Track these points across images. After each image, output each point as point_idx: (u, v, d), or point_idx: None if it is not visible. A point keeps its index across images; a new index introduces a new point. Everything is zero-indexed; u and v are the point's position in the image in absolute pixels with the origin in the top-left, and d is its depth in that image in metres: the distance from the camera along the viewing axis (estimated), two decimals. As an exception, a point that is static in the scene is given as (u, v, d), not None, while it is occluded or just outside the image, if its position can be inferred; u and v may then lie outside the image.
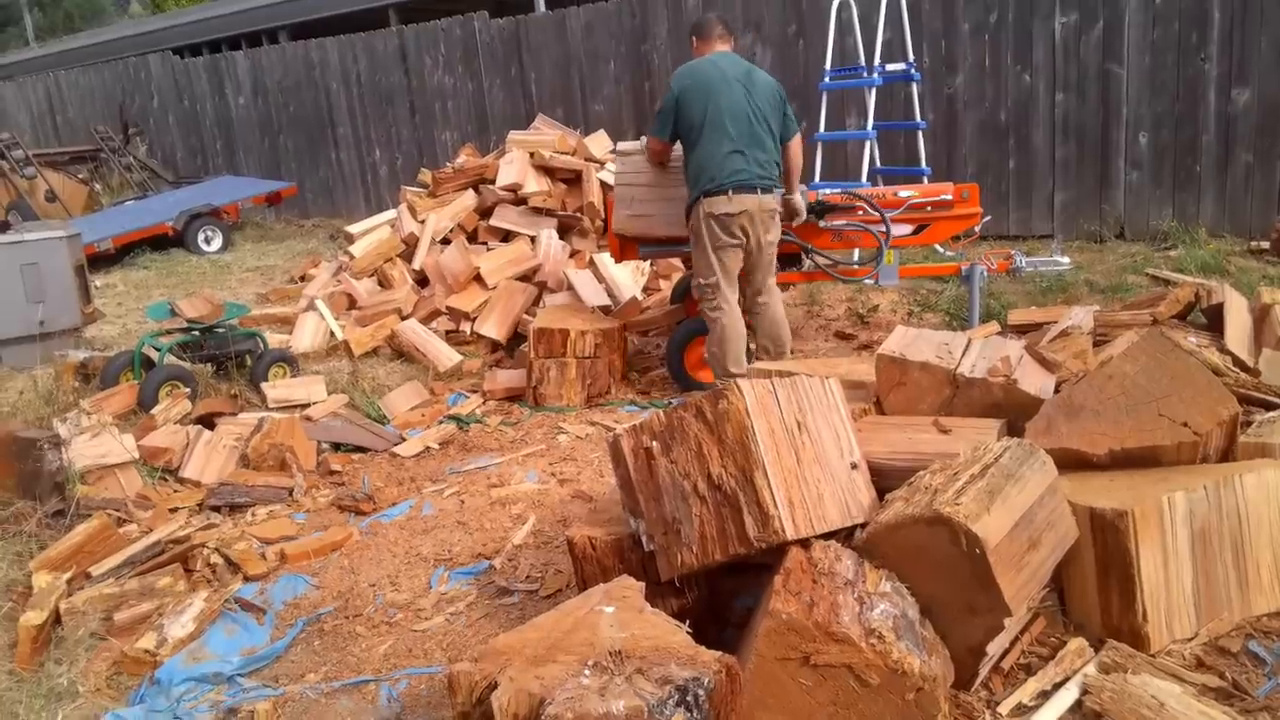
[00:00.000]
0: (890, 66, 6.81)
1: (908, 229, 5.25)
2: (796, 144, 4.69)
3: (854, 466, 2.56)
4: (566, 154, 6.74)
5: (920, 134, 7.11)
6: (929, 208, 5.17)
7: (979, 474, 2.30)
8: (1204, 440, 2.62)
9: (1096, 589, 2.46)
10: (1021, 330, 5.06)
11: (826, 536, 2.34)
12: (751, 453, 2.29)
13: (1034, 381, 3.10)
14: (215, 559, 3.24)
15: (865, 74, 7.03)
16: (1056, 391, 3.11)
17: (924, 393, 3.15)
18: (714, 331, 4.56)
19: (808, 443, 2.44)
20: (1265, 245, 6.20)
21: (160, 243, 9.90)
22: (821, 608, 2.09)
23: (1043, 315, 5.24)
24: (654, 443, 2.44)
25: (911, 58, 6.98)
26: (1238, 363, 4.17)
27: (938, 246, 6.29)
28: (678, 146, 4.71)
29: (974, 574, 2.17)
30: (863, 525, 2.42)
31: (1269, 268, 5.87)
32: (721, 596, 2.68)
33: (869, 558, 2.31)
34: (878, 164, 7.22)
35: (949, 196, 5.17)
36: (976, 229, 5.39)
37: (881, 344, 5.57)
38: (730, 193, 4.42)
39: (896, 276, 5.33)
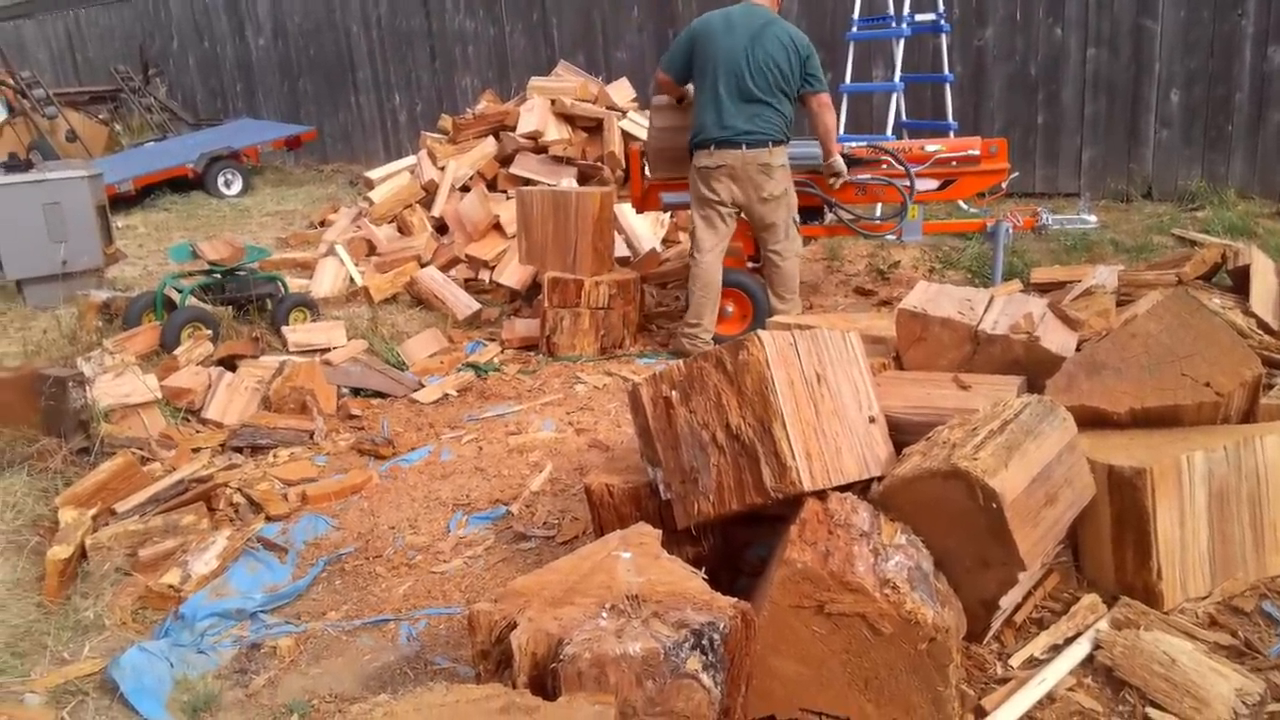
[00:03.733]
0: (920, 17, 6.67)
1: (933, 184, 5.19)
2: (820, 103, 4.62)
3: (872, 420, 2.56)
4: (588, 102, 6.67)
5: (948, 87, 6.98)
6: (955, 163, 5.10)
7: (998, 429, 2.30)
8: (1226, 401, 2.61)
9: (1112, 546, 2.46)
10: (1044, 289, 5.02)
11: (844, 489, 2.35)
12: (770, 404, 2.29)
13: (1056, 339, 3.08)
14: (238, 499, 3.29)
15: (894, 24, 6.90)
16: (1078, 350, 3.10)
17: (944, 348, 3.14)
18: (688, 278, 4.75)
19: (826, 395, 2.44)
20: (1296, 207, 6.10)
21: (180, 185, 9.90)
22: (837, 558, 2.11)
23: (1065, 274, 5.19)
24: (673, 392, 2.44)
25: (942, 8, 6.84)
26: (1262, 325, 4.13)
27: (961, 203, 6.21)
28: None
29: (989, 528, 2.18)
30: (880, 478, 2.43)
31: (1298, 230, 5.77)
32: (736, 546, 2.70)
33: (885, 510, 2.32)
34: (904, 117, 7.11)
35: (976, 152, 5.10)
36: (1003, 185, 5.32)
37: (901, 300, 5.58)
38: (713, 147, 4.48)
39: (920, 232, 5.27)
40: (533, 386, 4.54)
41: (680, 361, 2.45)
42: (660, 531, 2.30)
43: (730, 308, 4.89)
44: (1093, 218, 5.35)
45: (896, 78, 6.63)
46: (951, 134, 6.79)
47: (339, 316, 5.32)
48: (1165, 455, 2.41)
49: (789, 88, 4.55)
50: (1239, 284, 4.58)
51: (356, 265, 6.15)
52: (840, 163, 4.83)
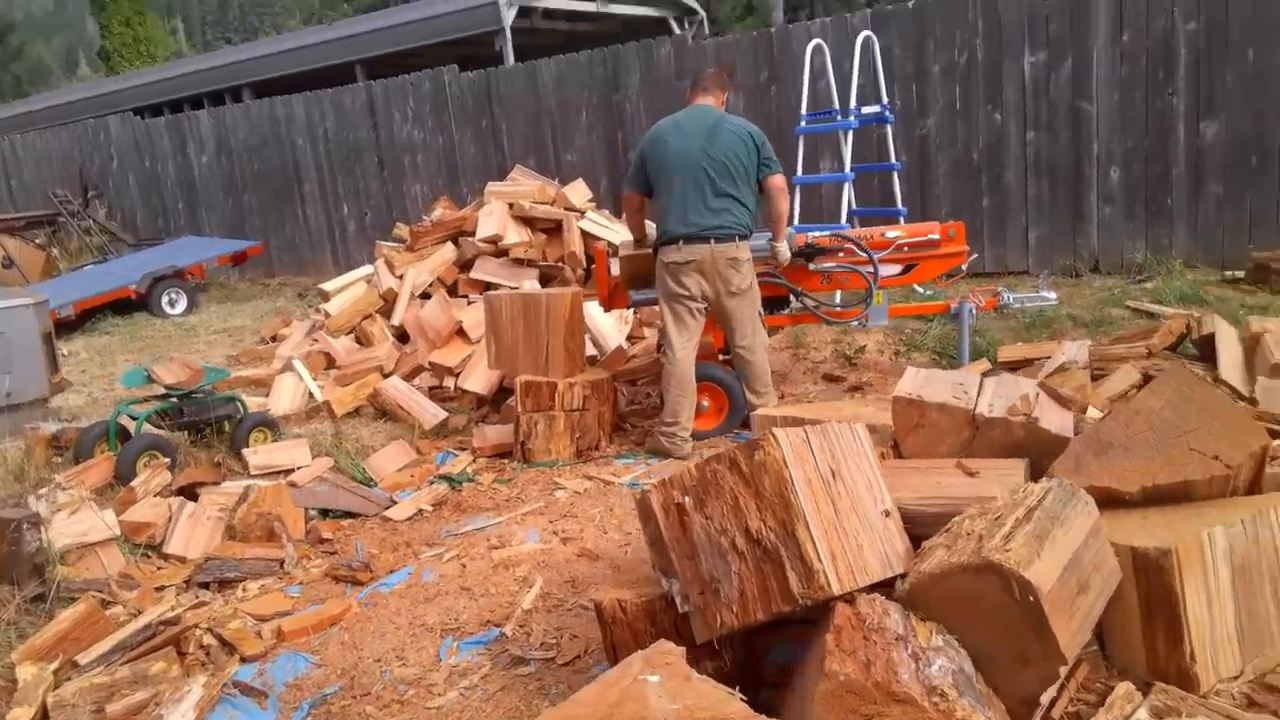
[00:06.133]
0: (865, 109, 6.86)
1: (896, 269, 5.24)
2: (776, 186, 4.67)
3: (887, 514, 2.48)
4: (546, 204, 6.69)
5: (895, 175, 7.16)
6: (907, 248, 5.16)
7: (1024, 518, 2.23)
8: (1235, 473, 2.58)
9: (1141, 630, 2.38)
10: (1013, 366, 5.06)
11: (868, 590, 2.25)
12: (792, 505, 2.20)
13: (1054, 419, 3.05)
14: (208, 640, 3.06)
15: (839, 117, 7.10)
16: (1076, 430, 3.07)
17: (943, 434, 3.09)
18: (662, 377, 4.72)
19: (843, 492, 2.36)
20: (1240, 275, 6.28)
21: (122, 307, 9.67)
22: (878, 666, 1.99)
23: (1032, 351, 5.24)
24: (686, 498, 2.34)
25: (885, 100, 7.06)
26: (1234, 393, 4.18)
27: (916, 286, 6.29)
28: None
29: (1027, 622, 2.09)
30: (902, 576, 2.33)
31: (1247, 297, 5.93)
32: (754, 655, 2.57)
33: (913, 609, 2.22)
34: (853, 206, 7.25)
35: (936, 236, 5.18)
36: (963, 267, 5.40)
37: (869, 385, 5.58)
38: (681, 243, 4.50)
39: (886, 316, 5.31)
40: (510, 496, 4.38)
41: (691, 465, 2.36)
42: (684, 648, 2.17)
43: (705, 402, 4.83)
44: (1052, 294, 5.43)
45: (847, 168, 6.77)
46: (901, 219, 6.93)
47: (301, 434, 5.13)
48: (1186, 533, 2.36)
49: (750, 179, 4.61)
50: (1204, 353, 4.66)
51: (315, 379, 5.98)
52: (784, 249, 4.86)
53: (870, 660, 2.01)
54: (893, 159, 7.13)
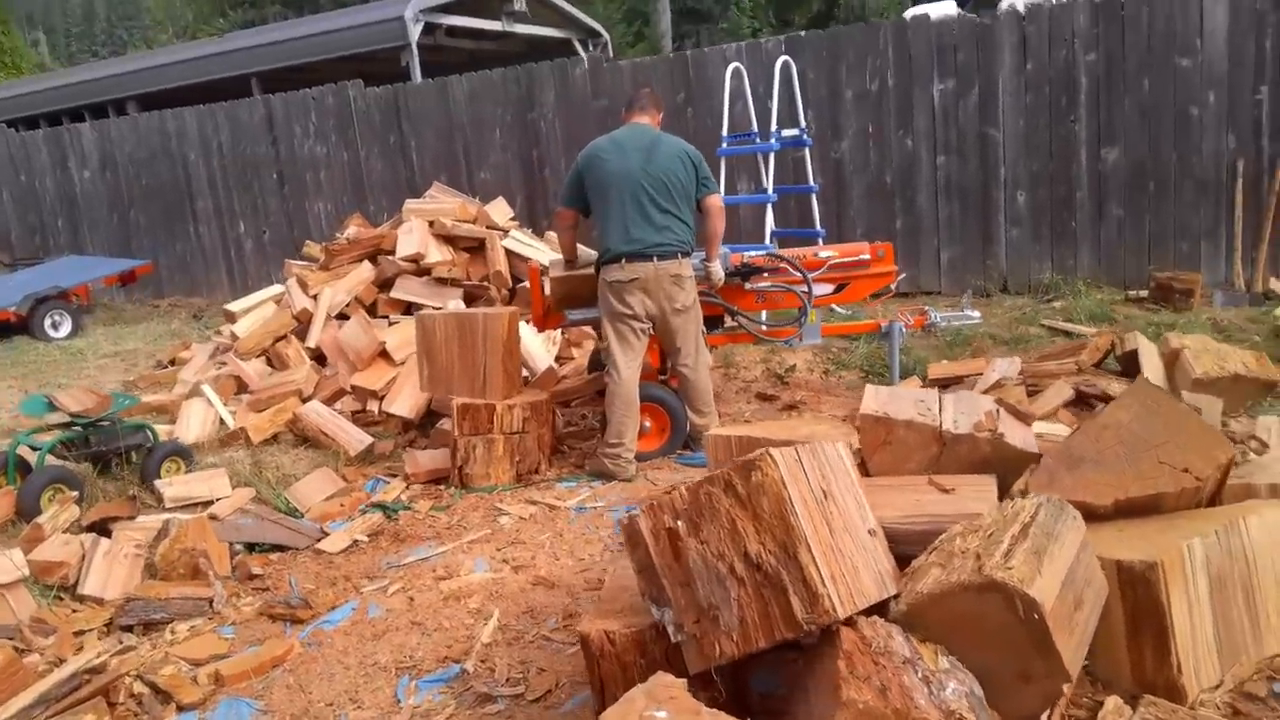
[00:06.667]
0: (786, 132, 6.95)
1: (828, 288, 5.28)
2: (714, 206, 4.67)
3: (873, 533, 2.44)
4: (468, 222, 6.52)
5: (813, 197, 7.25)
6: (839, 268, 5.21)
7: (1020, 534, 2.23)
8: (1204, 484, 2.65)
9: (1127, 643, 2.40)
10: (944, 384, 5.15)
11: (866, 613, 2.20)
12: (793, 527, 2.13)
13: (1017, 434, 3.09)
14: (139, 688, 2.80)
15: (759, 139, 7.17)
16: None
17: (910, 451, 3.09)
18: (606, 397, 4.63)
19: (836, 512, 2.30)
20: (1144, 294, 6.57)
21: (1, 330, 8.99)
22: (894, 692, 1.94)
23: (961, 368, 5.35)
24: (679, 522, 2.24)
25: (804, 123, 7.16)
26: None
27: (836, 306, 6.36)
28: None
29: (1030, 640, 2.07)
30: (895, 597, 2.29)
31: (1152, 315, 6.21)
32: (740, 685, 2.48)
33: (911, 630, 2.18)
34: (773, 227, 7.32)
35: (867, 256, 5.25)
36: (892, 287, 5.48)
37: (804, 404, 5.58)
38: (624, 261, 4.45)
39: (819, 335, 5.34)
40: (451, 523, 4.20)
41: (681, 487, 2.27)
42: (685, 680, 2.07)
43: (648, 423, 4.75)
44: (976, 313, 5.57)
45: (770, 189, 6.83)
46: (820, 240, 7.03)
47: (216, 463, 4.83)
48: (1167, 545, 2.40)
49: (689, 198, 4.59)
50: (1127, 368, 4.83)
51: (226, 404, 5.65)
52: (719, 269, 4.84)
53: (884, 686, 1.96)
54: (811, 181, 7.23)
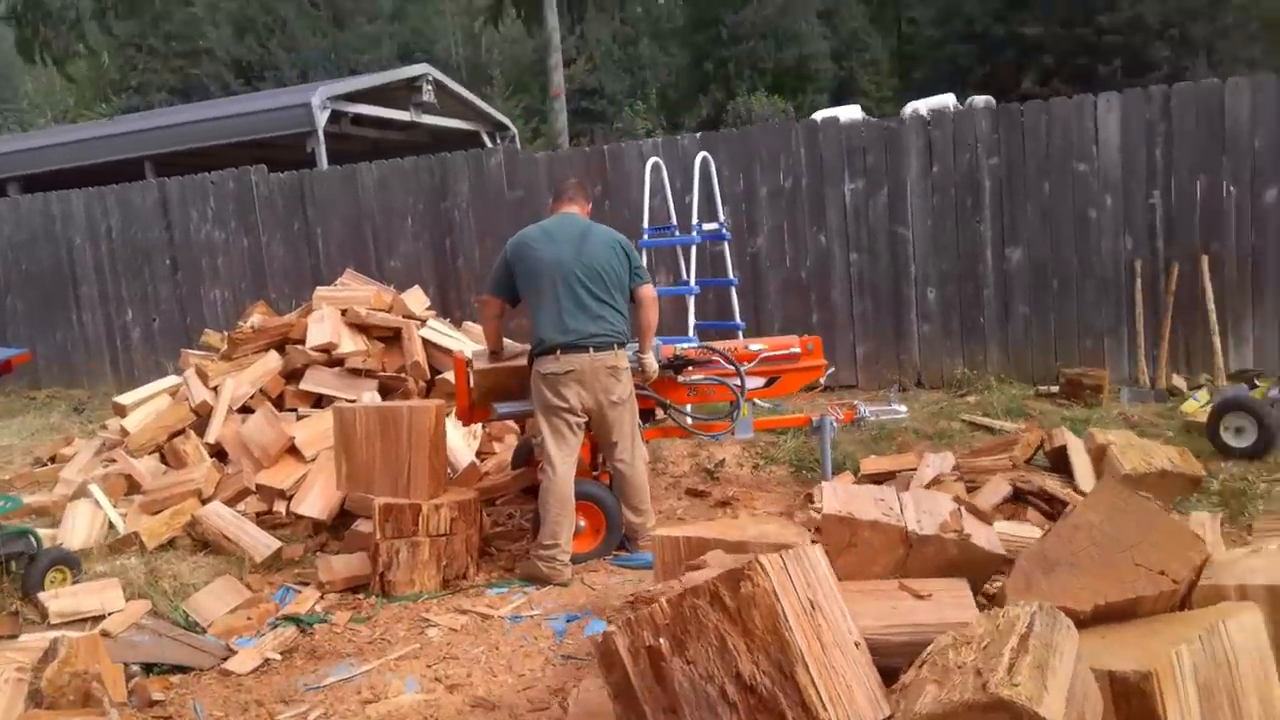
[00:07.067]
0: (706, 226, 6.99)
1: (760, 381, 5.24)
2: (647, 296, 4.62)
3: (857, 645, 2.30)
4: (383, 310, 6.27)
5: (733, 290, 7.29)
6: (770, 361, 5.18)
7: (1019, 646, 2.12)
8: (1180, 587, 2.61)
9: (1120, 759, 2.30)
10: (877, 479, 5.12)
11: (861, 734, 2.04)
12: (789, 643, 1.99)
13: (981, 535, 3.02)
14: None
15: (678, 232, 7.20)
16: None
17: (876, 553, 2.98)
18: (540, 495, 4.41)
19: (824, 624, 2.17)
20: (1054, 389, 6.75)
21: None
22: (913, 830, 1.77)
23: (892, 463, 5.34)
24: (661, 640, 2.06)
25: (722, 218, 7.23)
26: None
27: (759, 400, 6.31)
28: None
29: (1039, 762, 1.94)
30: (889, 717, 2.15)
31: (1064, 410, 6.36)
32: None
33: (910, 754, 2.03)
34: (693, 320, 7.30)
35: (797, 349, 5.24)
36: (822, 380, 5.47)
37: (736, 500, 5.46)
38: (559, 353, 4.32)
39: (751, 429, 5.27)
40: (374, 637, 3.87)
41: (662, 601, 2.09)
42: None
43: (583, 522, 4.54)
44: (903, 408, 5.59)
45: (692, 281, 6.83)
46: (740, 334, 7.04)
47: (105, 572, 4.38)
48: (1156, 654, 2.33)
49: (623, 287, 4.52)
50: (1056, 464, 4.88)
51: (116, 506, 5.18)
52: (651, 361, 4.75)
53: (902, 823, 1.79)
54: (730, 274, 7.27)
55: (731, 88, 24.55)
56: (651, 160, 7.29)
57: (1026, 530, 3.49)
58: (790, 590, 2.12)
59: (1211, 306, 6.55)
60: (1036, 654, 2.09)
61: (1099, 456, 4.70)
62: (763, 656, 2.00)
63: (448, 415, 4.99)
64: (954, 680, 2.09)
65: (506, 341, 4.97)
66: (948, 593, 2.71)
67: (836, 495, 3.16)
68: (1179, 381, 6.64)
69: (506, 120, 15.21)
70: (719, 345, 5.24)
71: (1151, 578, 2.58)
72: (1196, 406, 6.02)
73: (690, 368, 5.06)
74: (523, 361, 4.80)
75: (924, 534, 2.93)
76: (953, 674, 2.12)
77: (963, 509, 3.14)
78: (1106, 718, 2.28)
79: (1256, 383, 6.38)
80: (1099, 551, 2.67)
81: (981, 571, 2.95)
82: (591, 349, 4.31)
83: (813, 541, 3.07)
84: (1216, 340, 6.55)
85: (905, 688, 2.22)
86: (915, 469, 5.01)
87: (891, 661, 2.39)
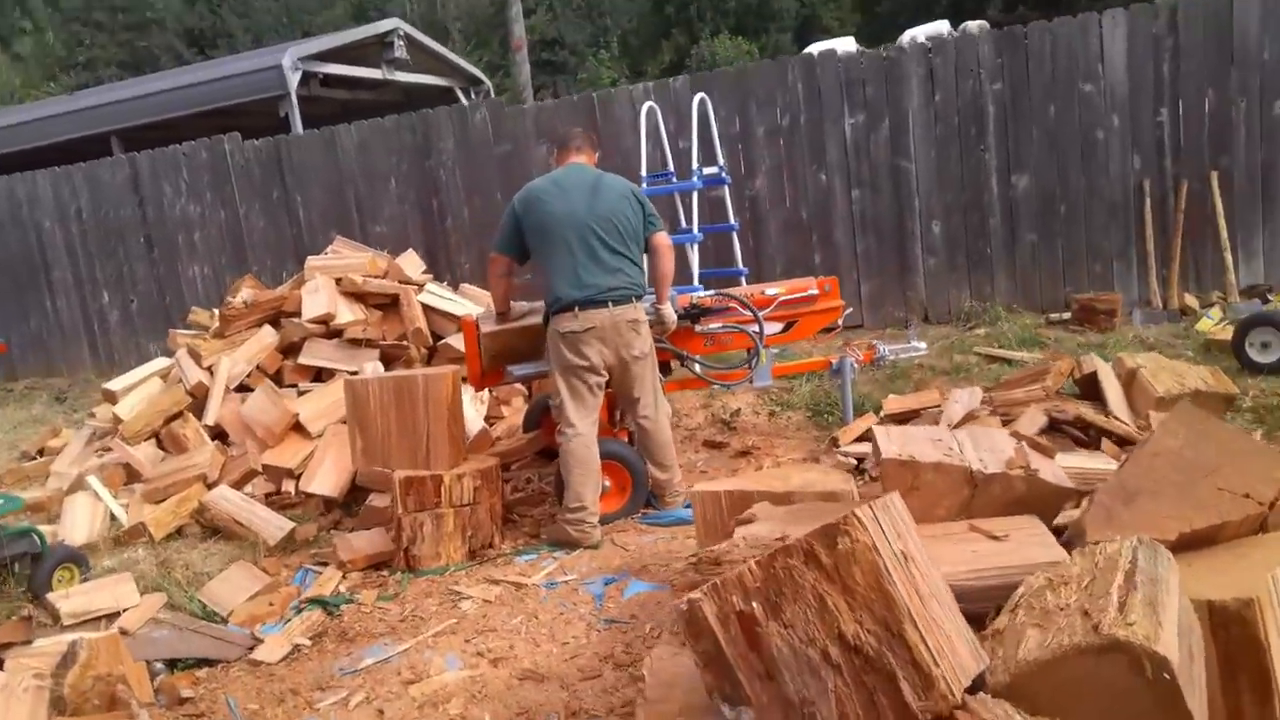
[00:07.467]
0: (706, 170, 6.77)
1: (778, 327, 5.08)
2: (663, 243, 4.43)
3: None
4: (378, 277, 6.05)
5: (734, 235, 7.09)
6: (788, 305, 5.02)
7: (1125, 583, 1.99)
8: (1267, 508, 2.49)
9: (1220, 690, 2.19)
10: (901, 419, 4.99)
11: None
12: (894, 599, 1.85)
13: (1047, 470, 2.89)
14: None
15: (676, 179, 6.98)
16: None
17: (940, 495, 2.85)
18: (560, 458, 4.23)
19: (919, 575, 2.02)
20: (1065, 317, 6.64)
21: None
22: (1044, 790, 1.65)
23: (916, 401, 5.21)
24: (753, 604, 1.91)
25: (721, 162, 7.01)
26: (1137, 426, 4.25)
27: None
28: None
29: (1157, 704, 1.83)
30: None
31: (1078, 336, 6.25)
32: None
33: (1016, 704, 1.91)
34: (697, 268, 7.11)
35: (815, 291, 5.08)
36: (839, 322, 5.32)
37: (757, 449, 5.32)
38: (577, 309, 4.11)
39: (770, 376, 5.12)
40: (405, 615, 3.71)
41: (750, 563, 1.94)
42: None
43: (607, 482, 4.38)
44: (923, 345, 5.47)
45: (695, 228, 6.62)
46: (743, 279, 6.86)
47: (113, 567, 4.20)
48: (1252, 579, 2.21)
49: (639, 237, 4.33)
50: (1086, 392, 4.77)
51: (116, 497, 4.98)
52: (670, 312, 4.57)
53: (1031, 783, 1.67)
54: (730, 219, 7.07)
55: (695, 31, 23.99)
56: (645, 105, 7.04)
57: (1088, 460, 3.36)
58: (885, 543, 1.97)
59: (1222, 222, 6.43)
60: (1145, 591, 1.97)
61: (1129, 382, 4.59)
62: (866, 615, 1.85)
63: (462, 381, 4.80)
64: (1058, 623, 1.97)
65: (513, 303, 4.78)
66: (1024, 532, 2.58)
67: (891, 439, 3.02)
68: (1191, 300, 6.54)
69: (481, 74, 14.79)
70: (735, 291, 5.07)
71: (1236, 501, 2.46)
72: (1210, 324, 5.92)
73: (707, 316, 4.89)
74: (530, 322, 4.61)
75: (990, 473, 2.80)
76: (1055, 617, 2.00)
77: (1024, 443, 3.01)
78: (1205, 649, 2.18)
79: (1269, 297, 6.30)
80: (1181, 478, 2.54)
81: (1048, 507, 2.82)
82: (611, 303, 4.13)
83: (859, 486, 2.94)
84: (1228, 256, 6.44)
85: (1000, 633, 2.11)
86: (939, 406, 4.90)
87: (975, 607, 2.27)
